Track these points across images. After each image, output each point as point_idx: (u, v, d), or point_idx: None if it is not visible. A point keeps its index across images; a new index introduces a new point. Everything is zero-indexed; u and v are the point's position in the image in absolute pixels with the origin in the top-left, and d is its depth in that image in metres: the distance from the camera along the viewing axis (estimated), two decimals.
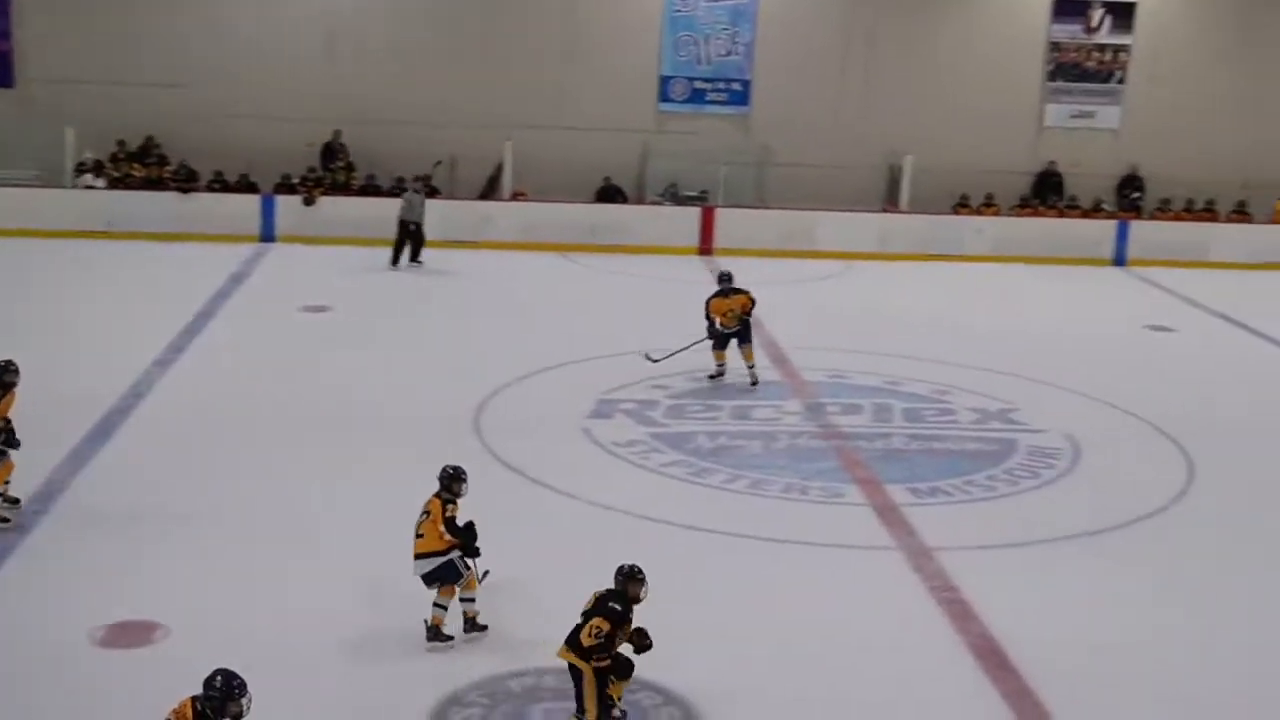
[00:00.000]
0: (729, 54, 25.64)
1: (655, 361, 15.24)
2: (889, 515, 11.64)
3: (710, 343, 15.24)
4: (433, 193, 23.78)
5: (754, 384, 15.14)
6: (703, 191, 25.10)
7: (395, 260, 21.42)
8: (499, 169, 24.53)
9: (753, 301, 15.25)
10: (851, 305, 18.35)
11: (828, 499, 12.07)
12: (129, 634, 8.91)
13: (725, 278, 15.57)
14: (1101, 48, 26.35)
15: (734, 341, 15.19)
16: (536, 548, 10.47)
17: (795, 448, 13.38)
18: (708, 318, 15.25)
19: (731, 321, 15.15)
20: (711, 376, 15.32)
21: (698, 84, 25.67)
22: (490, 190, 24.79)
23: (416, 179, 22.59)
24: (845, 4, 25.83)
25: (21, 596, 9.51)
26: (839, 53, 25.75)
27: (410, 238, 21.48)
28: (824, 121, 25.48)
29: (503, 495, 11.76)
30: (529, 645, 8.72)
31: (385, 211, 22.10)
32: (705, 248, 23.70)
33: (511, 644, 8.91)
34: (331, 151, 24.31)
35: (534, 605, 9.38)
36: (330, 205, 23.42)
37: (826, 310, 19.81)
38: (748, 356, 15.23)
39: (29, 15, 24.09)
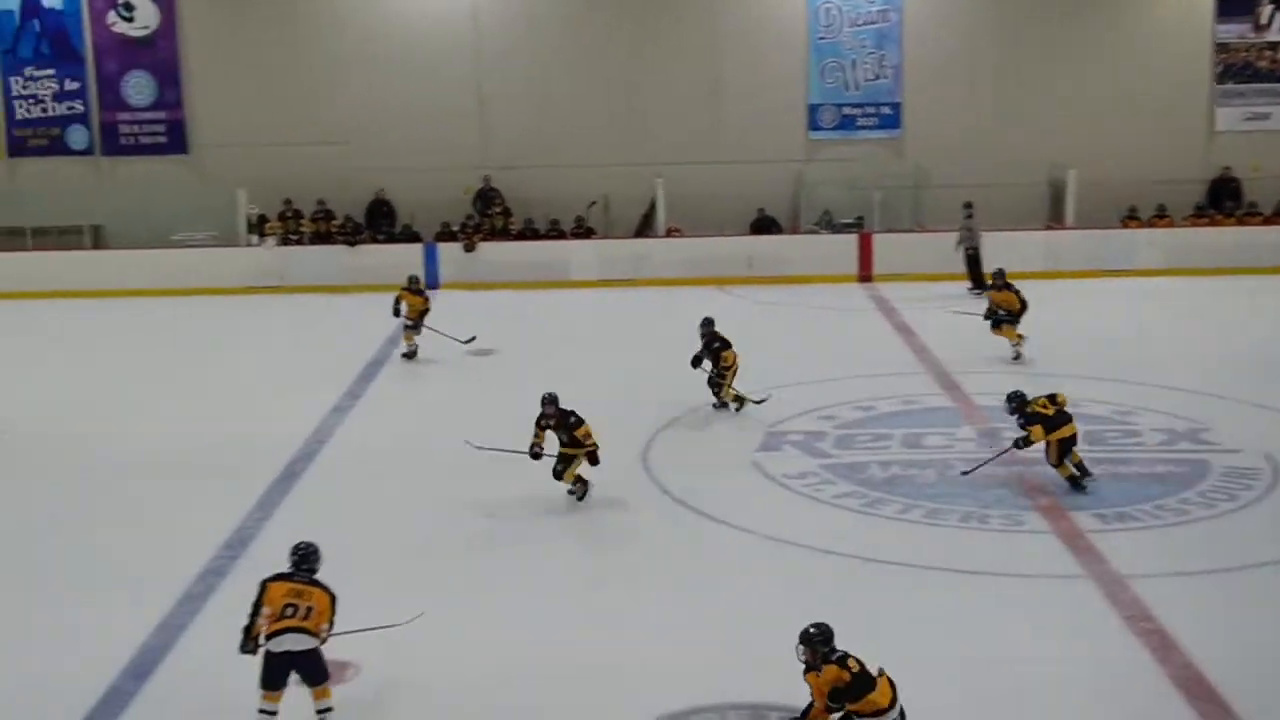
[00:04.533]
0: (877, 78, 25.46)
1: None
2: (1076, 543, 11.26)
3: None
4: (589, 233, 24.04)
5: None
6: (858, 218, 24.91)
7: None
8: (652, 206, 24.68)
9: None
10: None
11: (1009, 527, 11.75)
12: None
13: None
14: (1273, 45, 25.53)
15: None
16: (710, 583, 10.43)
17: (971, 475, 13.09)
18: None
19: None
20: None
21: (847, 110, 25.54)
22: (645, 228, 24.95)
23: None
24: (994, 18, 25.45)
25: (215, 641, 9.72)
26: (990, 68, 25.39)
27: None
28: (979, 139, 25.11)
29: (672, 530, 11.78)
30: (714, 679, 8.66)
31: (543, 255, 22.39)
32: (864, 274, 23.51)
33: (700, 679, 8.84)
34: (486, 197, 24.71)
35: (712, 641, 9.32)
36: (490, 251, 23.80)
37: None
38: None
39: (199, 85, 25.04)
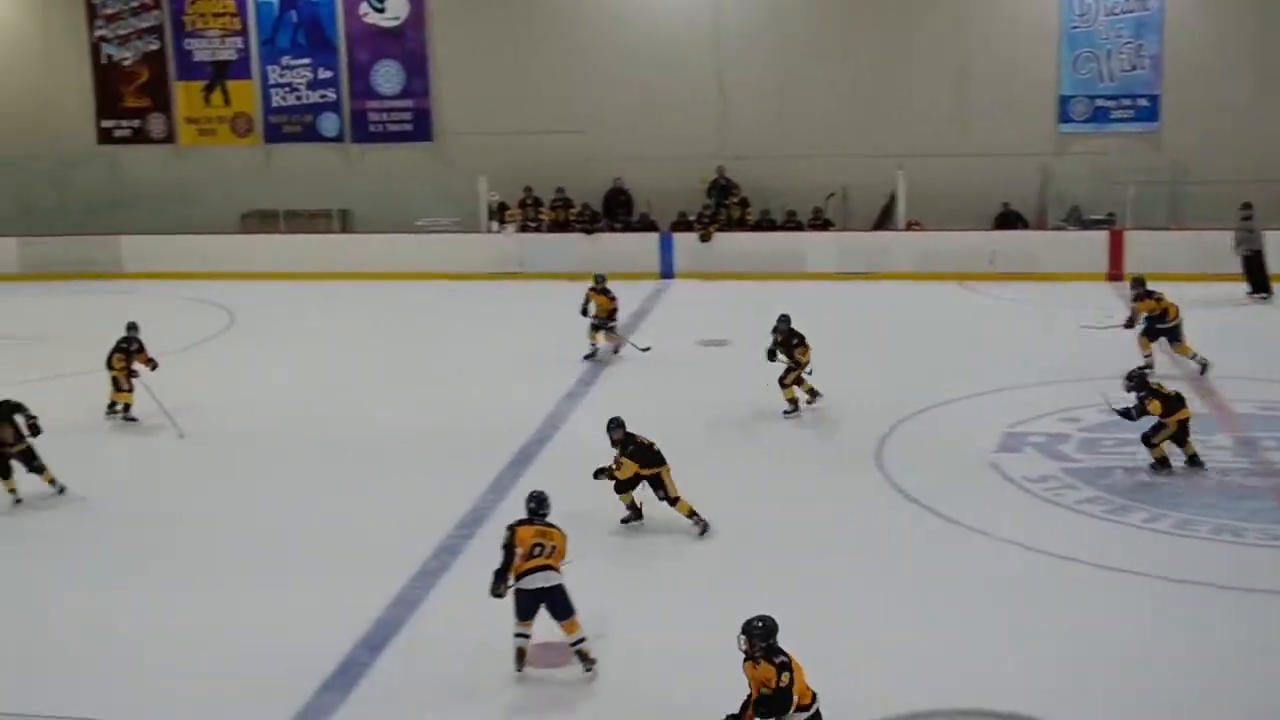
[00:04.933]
0: (1134, 69, 24.40)
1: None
2: None
3: None
4: (826, 225, 23.73)
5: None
6: (1109, 214, 23.91)
7: None
8: (892, 199, 24.18)
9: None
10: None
11: (1267, 541, 11.09)
12: (549, 655, 9.09)
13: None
14: None
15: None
16: (943, 586, 10.13)
17: (1225, 485, 12.38)
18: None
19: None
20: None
21: (1100, 102, 24.54)
22: (884, 221, 24.47)
23: None
24: (1261, 4, 24.09)
25: (449, 616, 9.89)
26: (1258, 59, 24.03)
27: None
28: (1244, 134, 23.78)
29: (906, 530, 11.50)
30: (946, 680, 8.37)
31: (779, 246, 22.19)
32: (1114, 273, 22.55)
33: (929, 681, 8.57)
34: (721, 188, 24.61)
35: (942, 643, 9.02)
36: (726, 241, 23.71)
37: (1259, 337, 18.44)
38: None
39: (444, 75, 25.63)
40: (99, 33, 26.60)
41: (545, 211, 24.86)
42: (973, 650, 9.02)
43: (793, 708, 7.22)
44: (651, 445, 11.65)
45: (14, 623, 10.12)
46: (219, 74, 26.39)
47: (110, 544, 11.64)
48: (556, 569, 8.93)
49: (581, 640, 8.93)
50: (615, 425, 11.77)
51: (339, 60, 26.04)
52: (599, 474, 11.57)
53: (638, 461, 11.51)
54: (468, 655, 9.19)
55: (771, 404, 15.08)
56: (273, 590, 10.53)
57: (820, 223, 24.12)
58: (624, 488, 11.64)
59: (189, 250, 24.68)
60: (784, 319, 15.14)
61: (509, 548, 8.98)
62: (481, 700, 8.66)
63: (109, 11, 26.46)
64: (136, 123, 26.80)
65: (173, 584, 10.71)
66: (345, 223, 25.90)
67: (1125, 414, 12.67)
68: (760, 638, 7.32)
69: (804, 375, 14.92)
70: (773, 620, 7.40)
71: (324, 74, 26.07)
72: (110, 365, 15.13)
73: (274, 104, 26.29)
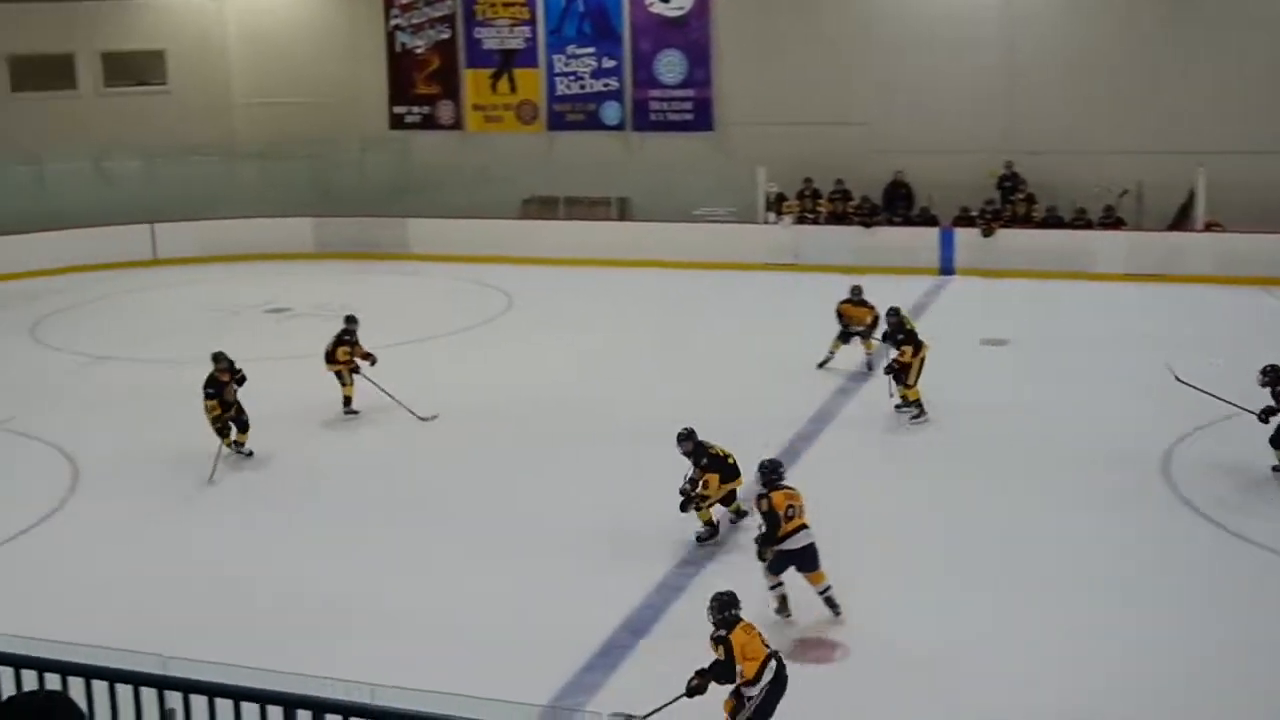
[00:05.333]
0: None
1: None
2: None
3: None
4: (1118, 224, 22.71)
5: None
6: None
7: None
8: (1190, 197, 22.88)
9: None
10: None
11: None
12: (815, 650, 9.08)
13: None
14: None
15: None
16: (1227, 601, 9.55)
17: None
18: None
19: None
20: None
21: None
22: (1181, 220, 23.20)
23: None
24: None
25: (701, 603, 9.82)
26: None
27: None
28: None
29: (1196, 547, 10.90)
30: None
31: (1066, 245, 21.33)
32: None
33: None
34: (1009, 182, 23.79)
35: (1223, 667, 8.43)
36: (1009, 238, 22.92)
37: None
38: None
39: (726, 65, 25.57)
40: (394, 22, 27.55)
41: (823, 203, 24.53)
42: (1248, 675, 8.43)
43: (737, 679, 7.63)
44: (728, 457, 11.15)
45: (289, 587, 10.49)
46: (506, 62, 27.00)
47: (383, 521, 11.96)
48: (809, 527, 9.56)
49: (828, 588, 9.57)
50: (685, 437, 11.15)
51: (623, 50, 26.27)
52: (686, 504, 10.92)
53: (716, 474, 11.03)
54: None
55: (1053, 405, 14.50)
56: (540, 571, 10.65)
57: (1111, 221, 23.06)
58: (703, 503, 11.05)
59: (472, 234, 25.31)
60: (893, 311, 14.82)
61: (772, 514, 9.50)
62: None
63: (404, 1, 27.39)
64: (426, 109, 27.67)
65: (444, 559, 10.92)
66: (624, 210, 26.13)
67: (1261, 417, 12.17)
68: (713, 610, 7.88)
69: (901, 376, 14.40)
70: (726, 595, 7.90)
71: (608, 63, 26.35)
72: (333, 359, 15.00)
73: (558, 92, 26.73)
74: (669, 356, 17.73)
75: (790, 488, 9.76)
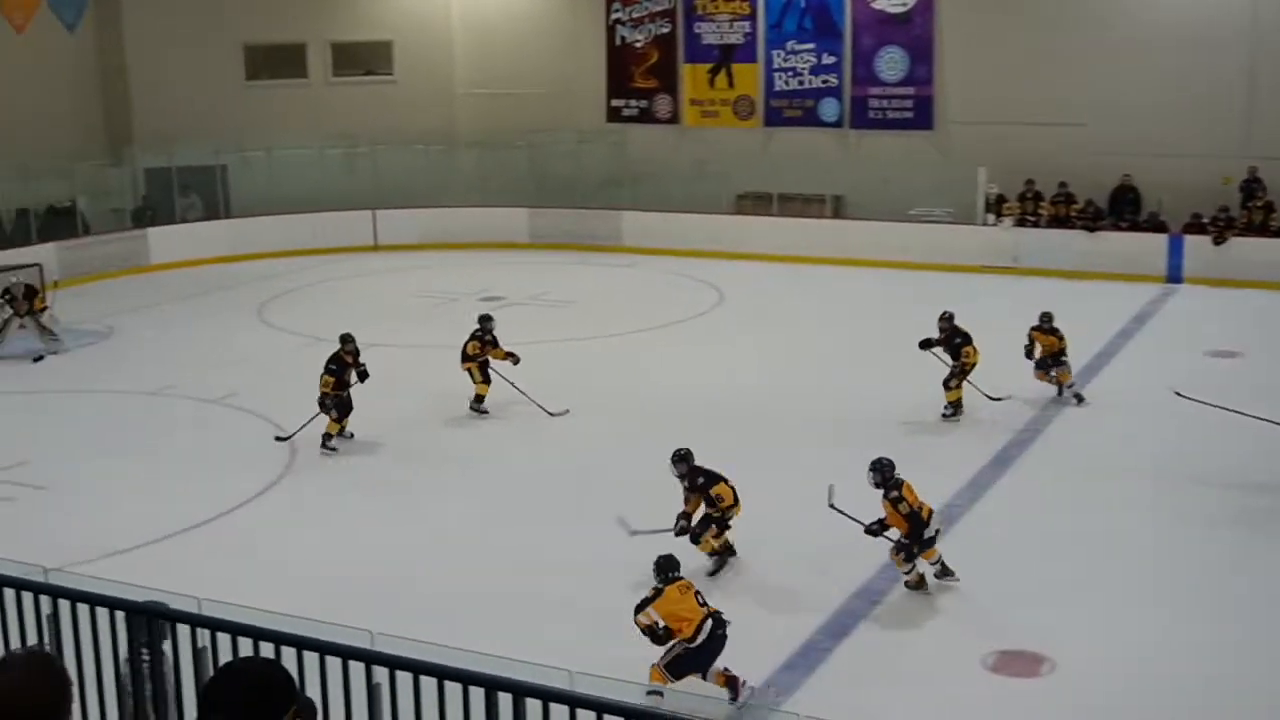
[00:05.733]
0: None
1: None
2: None
3: None
4: None
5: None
6: None
7: None
8: None
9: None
10: None
11: None
12: (1018, 663, 8.87)
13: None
14: None
15: None
16: None
17: None
18: None
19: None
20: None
21: None
22: None
23: None
24: None
25: (919, 619, 9.63)
26: None
27: None
28: None
29: None
30: None
31: None
32: None
33: None
34: (1249, 189, 22.71)
35: None
36: (1244, 246, 21.89)
37: None
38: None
39: (949, 62, 25.04)
40: (615, 15, 27.75)
41: (1045, 206, 23.81)
42: None
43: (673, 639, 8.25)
44: (724, 478, 10.59)
45: (499, 574, 10.63)
46: (725, 57, 26.94)
47: (593, 518, 12.00)
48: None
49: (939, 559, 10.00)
50: (679, 458, 10.55)
51: (844, 46, 25.94)
52: (698, 534, 10.40)
53: (722, 483, 10.56)
54: (931, 645, 8.94)
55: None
56: (745, 571, 10.58)
57: None
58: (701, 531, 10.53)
59: (685, 228, 25.35)
60: (948, 316, 14.60)
61: (916, 516, 9.89)
62: (941, 692, 8.34)
63: None
64: (644, 103, 27.81)
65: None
66: (838, 208, 25.81)
67: None
68: (655, 570, 8.60)
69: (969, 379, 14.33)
70: (664, 558, 8.64)
71: (828, 59, 26.07)
72: (465, 357, 15.07)
73: (776, 88, 26.56)
74: (874, 356, 17.39)
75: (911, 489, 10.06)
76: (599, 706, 4.21)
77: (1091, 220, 23.07)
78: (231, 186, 26.58)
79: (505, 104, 28.04)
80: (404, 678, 4.73)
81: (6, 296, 18.40)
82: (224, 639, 5.09)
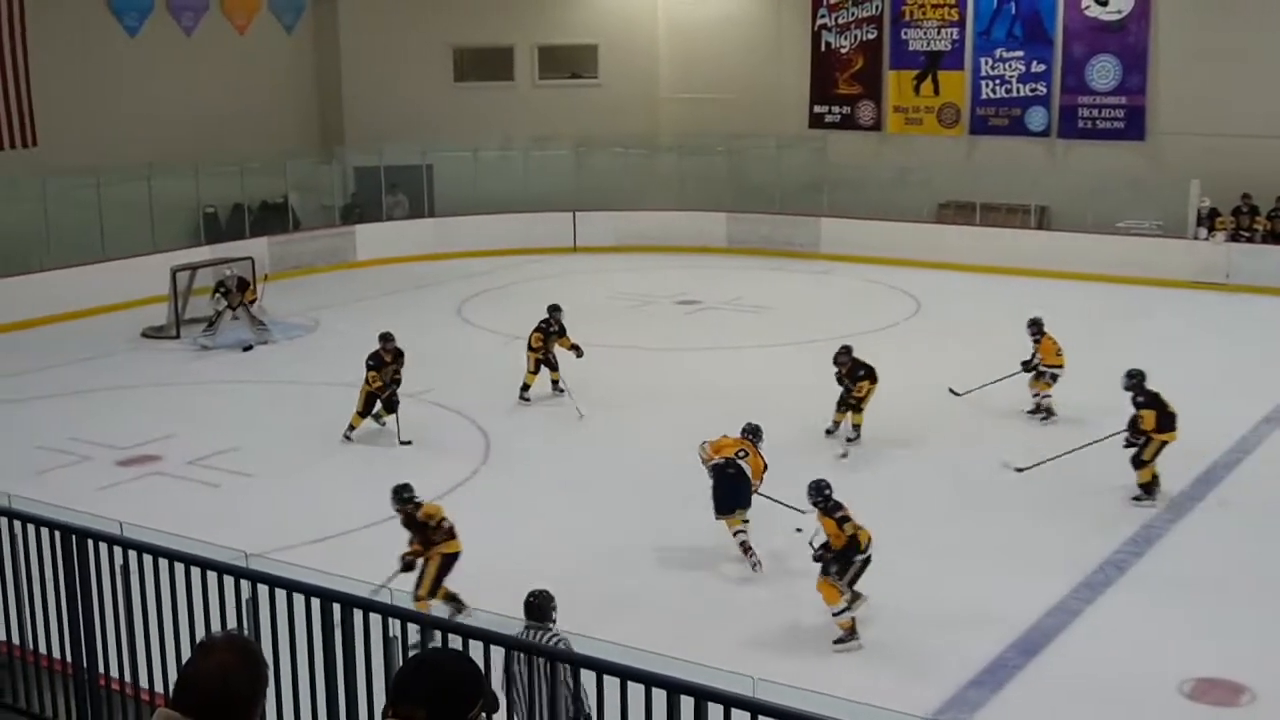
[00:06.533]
0: None
1: None
2: None
3: None
4: None
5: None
6: None
7: None
8: None
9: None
10: None
11: None
12: (1217, 691, 8.71)
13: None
14: None
15: None
16: None
17: None
18: None
19: None
20: None
21: None
22: None
23: None
24: None
25: (1115, 640, 9.43)
26: None
27: None
28: None
29: None
30: None
31: None
32: None
33: None
34: None
35: None
36: None
37: None
38: None
39: (1164, 72, 24.26)
40: (820, 21, 27.62)
41: (1261, 221, 22.91)
42: None
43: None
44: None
45: (678, 573, 10.69)
46: (931, 64, 26.59)
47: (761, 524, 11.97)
48: None
49: None
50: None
51: (1054, 54, 25.36)
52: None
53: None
54: (1119, 665, 8.75)
55: None
56: (933, 582, 10.46)
57: None
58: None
59: (883, 236, 25.09)
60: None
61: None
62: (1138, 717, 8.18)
63: (832, 1, 27.40)
64: (846, 109, 27.60)
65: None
66: (1042, 219, 25.22)
67: None
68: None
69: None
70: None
71: (1037, 67, 25.51)
72: (531, 346, 15.66)
73: (982, 96, 26.10)
74: (1073, 371, 16.89)
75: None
76: (779, 714, 4.22)
77: None
78: (436, 186, 27.25)
79: (707, 109, 28.14)
80: (588, 675, 4.82)
81: (221, 289, 19.23)
82: (413, 630, 5.24)
